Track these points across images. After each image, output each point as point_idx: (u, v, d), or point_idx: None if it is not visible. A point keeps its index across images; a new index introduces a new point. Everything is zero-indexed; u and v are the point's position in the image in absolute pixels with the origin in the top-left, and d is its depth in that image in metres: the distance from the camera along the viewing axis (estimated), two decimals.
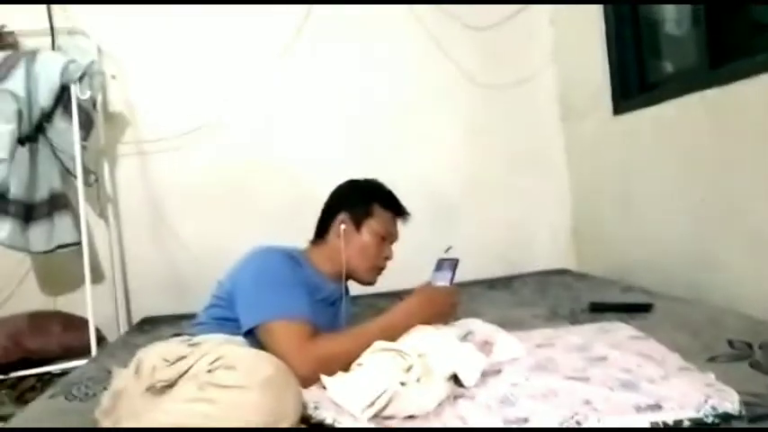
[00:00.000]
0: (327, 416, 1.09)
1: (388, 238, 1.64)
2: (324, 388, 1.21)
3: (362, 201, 1.62)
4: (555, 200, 3.07)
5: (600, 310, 1.93)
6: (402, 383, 1.17)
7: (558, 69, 3.04)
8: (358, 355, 1.30)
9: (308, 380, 1.20)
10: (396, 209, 1.65)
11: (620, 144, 2.58)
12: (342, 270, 1.58)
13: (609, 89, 2.62)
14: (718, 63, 2.01)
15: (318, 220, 1.67)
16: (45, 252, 2.54)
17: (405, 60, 2.96)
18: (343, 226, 1.58)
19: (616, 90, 2.60)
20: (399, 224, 1.68)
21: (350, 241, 1.58)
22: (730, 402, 1.05)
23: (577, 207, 3.05)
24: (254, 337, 1.34)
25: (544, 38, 3.03)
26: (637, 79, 2.56)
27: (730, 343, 1.44)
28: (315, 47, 2.88)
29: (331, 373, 1.26)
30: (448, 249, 1.64)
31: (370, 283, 1.65)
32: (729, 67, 1.94)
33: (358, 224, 1.60)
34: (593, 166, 2.87)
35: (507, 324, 1.75)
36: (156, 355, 1.17)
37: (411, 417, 1.14)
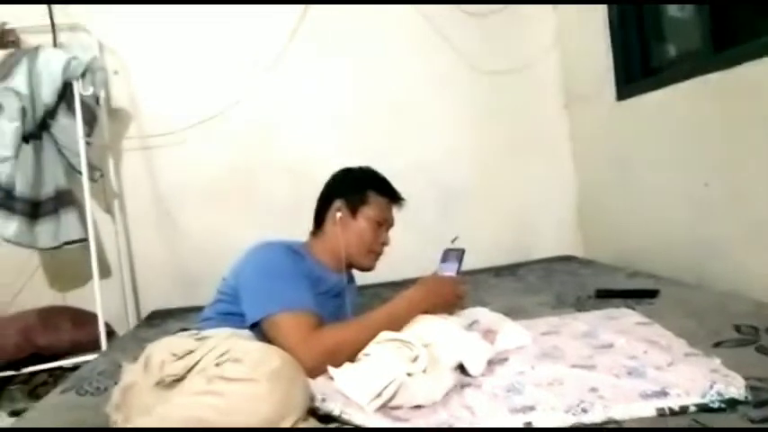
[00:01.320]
0: (335, 407, 1.10)
1: (385, 223, 1.65)
2: (331, 379, 1.22)
3: (357, 188, 1.64)
4: (560, 186, 3.07)
5: (606, 296, 1.93)
6: (409, 374, 1.18)
7: (560, 55, 3.02)
8: (364, 345, 1.31)
9: (315, 370, 1.21)
10: (390, 195, 1.67)
11: (624, 129, 2.57)
12: (341, 258, 1.59)
13: (612, 74, 2.60)
14: (722, 46, 1.99)
15: (315, 210, 1.68)
16: (52, 248, 2.55)
17: (407, 48, 2.95)
18: (339, 213, 1.60)
19: (619, 75, 2.58)
20: (396, 211, 1.69)
21: (347, 228, 1.59)
22: (736, 387, 1.05)
23: (582, 193, 3.04)
24: (259, 330, 1.35)
25: (546, 23, 3.01)
26: (640, 64, 2.54)
27: (736, 328, 1.44)
28: (317, 38, 2.87)
29: (337, 363, 1.27)
30: (454, 240, 1.65)
31: (370, 269, 1.66)
32: (734, 50, 1.92)
33: (354, 211, 1.61)
34: (597, 152, 2.86)
35: (513, 312, 1.76)
36: (164, 350, 1.18)
37: (418, 406, 1.15)
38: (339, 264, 1.60)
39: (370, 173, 1.70)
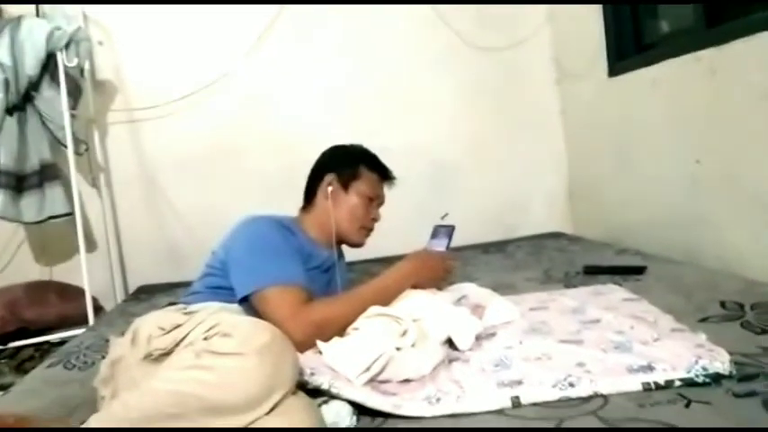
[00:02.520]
0: (323, 381, 1.10)
1: (376, 199, 1.65)
2: (319, 353, 1.22)
3: (349, 162, 1.63)
4: (551, 163, 3.06)
5: (594, 272, 1.94)
6: (397, 348, 1.19)
7: (553, 31, 3.00)
8: (353, 319, 1.31)
9: (304, 344, 1.22)
10: (382, 171, 1.66)
11: (615, 106, 2.56)
12: (332, 233, 1.58)
13: (604, 50, 2.59)
14: (714, 22, 1.98)
15: (306, 185, 1.67)
16: (37, 222, 2.52)
17: (399, 24, 2.91)
18: (330, 187, 1.59)
19: (612, 51, 2.56)
20: (386, 189, 1.69)
21: (338, 202, 1.59)
22: (721, 362, 1.07)
23: (573, 170, 3.04)
24: (249, 304, 1.35)
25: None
26: (632, 40, 2.53)
27: (722, 304, 1.46)
28: (308, 11, 2.83)
29: (326, 337, 1.27)
30: (444, 216, 1.65)
31: (360, 245, 1.66)
32: (726, 27, 1.91)
33: (345, 185, 1.60)
34: (588, 129, 2.86)
35: (502, 287, 1.77)
36: (151, 324, 1.17)
37: (406, 380, 1.15)
38: (329, 238, 1.59)
39: (362, 149, 1.69)
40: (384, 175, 1.66)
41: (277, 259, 1.38)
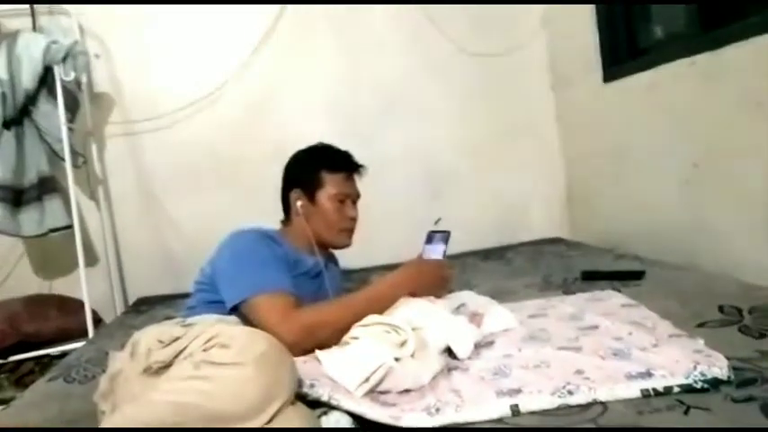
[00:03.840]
0: (323, 393, 1.10)
1: (347, 198, 1.63)
2: (319, 362, 1.22)
3: (308, 172, 1.62)
4: (547, 169, 3.07)
5: (592, 278, 1.94)
6: (396, 359, 1.19)
7: (548, 37, 3.01)
8: (344, 325, 1.31)
9: (295, 348, 1.19)
10: (345, 168, 1.65)
11: (611, 111, 2.57)
12: (313, 244, 1.60)
13: (599, 56, 2.60)
14: (709, 27, 1.99)
15: (281, 199, 1.68)
16: (37, 236, 2.53)
17: (395, 31, 2.92)
18: (299, 203, 1.59)
19: (606, 56, 2.57)
20: (358, 180, 1.68)
21: (310, 215, 1.59)
22: (719, 368, 1.07)
23: (570, 176, 3.05)
24: (240, 314, 1.36)
25: (534, 5, 2.99)
26: (627, 45, 2.54)
27: (720, 308, 1.46)
28: (304, 20, 2.84)
29: (317, 341, 1.28)
30: (437, 221, 1.65)
31: (346, 246, 1.66)
32: (721, 31, 1.92)
33: (311, 197, 1.60)
34: (584, 134, 2.86)
35: (500, 294, 1.77)
36: (150, 338, 1.18)
37: (406, 391, 1.15)
38: (313, 248, 1.60)
39: (318, 151, 1.67)
40: (349, 170, 1.65)
41: (263, 268, 1.39)
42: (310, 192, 1.60)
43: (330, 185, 1.61)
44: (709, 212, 2.02)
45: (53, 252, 2.74)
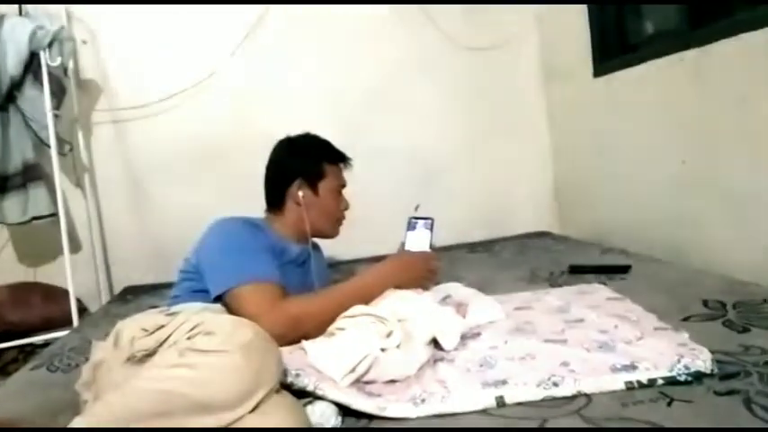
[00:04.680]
0: (309, 382, 1.10)
1: (342, 189, 1.68)
2: (305, 353, 1.22)
3: (313, 163, 1.63)
4: (537, 163, 3.08)
5: (579, 271, 1.95)
6: (382, 349, 1.19)
7: (540, 32, 3.01)
8: (330, 317, 1.31)
9: (281, 339, 1.18)
10: (342, 159, 1.68)
11: (601, 106, 2.58)
12: (308, 234, 1.60)
13: (590, 51, 2.60)
14: (698, 23, 2.00)
15: (269, 191, 1.67)
16: (21, 223, 2.50)
17: (387, 24, 2.90)
18: (301, 193, 1.59)
19: (597, 52, 2.58)
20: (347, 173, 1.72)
21: (311, 206, 1.60)
22: (702, 361, 1.08)
23: (559, 170, 3.05)
24: (225, 304, 1.36)
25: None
26: (618, 41, 2.54)
27: (705, 302, 1.47)
28: (295, 11, 2.81)
29: (302, 332, 1.27)
30: (417, 207, 1.64)
31: (336, 235, 1.69)
32: (710, 28, 1.92)
33: (314, 187, 1.62)
34: (574, 129, 2.87)
35: (488, 287, 1.77)
36: (134, 326, 1.16)
37: (392, 381, 1.15)
38: (303, 236, 1.61)
39: (318, 142, 1.69)
40: (344, 161, 1.69)
41: (249, 257, 1.39)
42: (313, 182, 1.61)
43: (331, 176, 1.64)
44: (695, 208, 2.03)
45: (38, 240, 2.71)
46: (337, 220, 1.66)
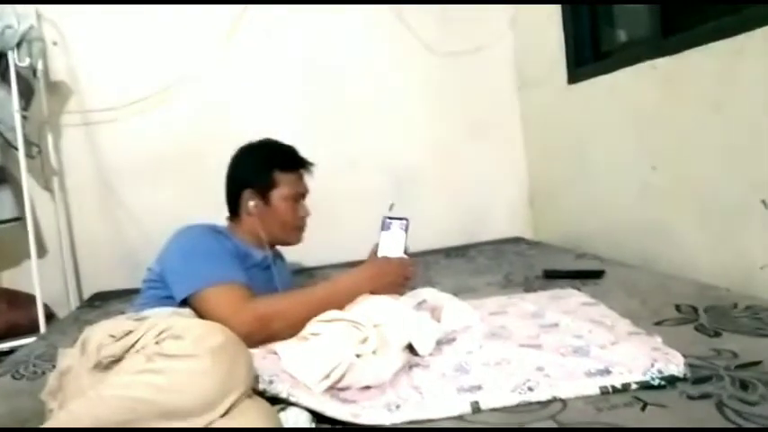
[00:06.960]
0: (282, 389, 1.08)
1: (300, 197, 1.64)
2: (279, 358, 1.20)
3: (262, 172, 1.61)
4: (511, 169, 3.09)
5: (553, 276, 1.96)
6: (357, 355, 1.17)
7: (514, 37, 3.03)
8: (300, 318, 1.30)
9: (249, 339, 1.15)
10: (298, 166, 1.64)
11: (574, 113, 2.60)
12: (264, 243, 1.59)
13: (564, 58, 2.62)
14: (670, 32, 2.03)
15: (226, 198, 1.65)
16: None
17: (361, 29, 2.90)
18: (251, 203, 1.57)
19: (571, 59, 2.60)
20: (308, 177, 1.68)
21: (263, 216, 1.58)
22: (676, 365, 1.08)
23: (533, 176, 3.07)
24: (192, 308, 1.34)
25: (501, 6, 3.00)
26: (591, 48, 2.57)
27: (677, 307, 1.48)
28: (269, 15, 2.79)
29: (271, 332, 1.27)
30: (392, 207, 1.64)
31: (297, 243, 1.67)
32: (681, 36, 1.95)
33: (265, 198, 1.59)
34: (548, 135, 2.89)
35: (462, 292, 1.77)
36: (101, 332, 1.13)
37: (366, 387, 1.14)
38: (263, 244, 1.59)
39: (270, 149, 1.66)
40: (301, 167, 1.65)
41: (213, 260, 1.38)
42: (263, 192, 1.59)
43: (284, 185, 1.60)
44: (666, 214, 2.06)
45: (3, 244, 2.63)
46: (295, 228, 1.63)
